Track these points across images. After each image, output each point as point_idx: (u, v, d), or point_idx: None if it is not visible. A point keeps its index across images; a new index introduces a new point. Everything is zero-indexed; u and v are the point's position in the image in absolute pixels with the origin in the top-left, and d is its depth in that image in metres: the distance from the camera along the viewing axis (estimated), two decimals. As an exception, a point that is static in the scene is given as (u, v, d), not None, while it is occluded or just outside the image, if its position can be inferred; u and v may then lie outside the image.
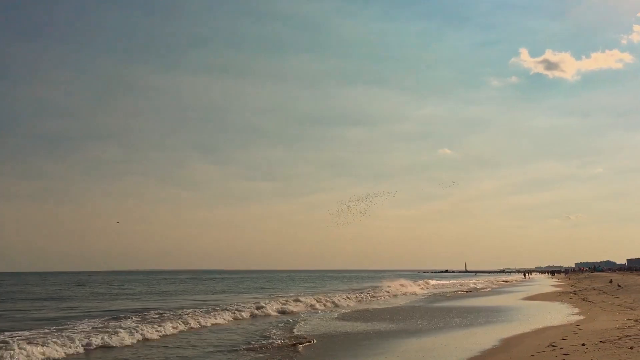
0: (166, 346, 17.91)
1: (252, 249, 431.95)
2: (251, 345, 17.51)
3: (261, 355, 15.96)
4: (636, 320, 17.94)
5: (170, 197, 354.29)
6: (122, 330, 19.33)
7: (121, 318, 24.47)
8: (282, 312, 29.71)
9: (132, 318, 24.40)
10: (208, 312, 27.13)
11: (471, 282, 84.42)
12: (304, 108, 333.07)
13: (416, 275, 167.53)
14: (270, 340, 18.49)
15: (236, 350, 16.75)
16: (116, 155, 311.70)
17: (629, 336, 13.88)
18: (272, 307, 30.37)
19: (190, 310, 28.14)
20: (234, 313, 27.50)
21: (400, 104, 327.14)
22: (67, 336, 18.01)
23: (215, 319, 25.06)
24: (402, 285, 59.34)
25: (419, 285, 65.59)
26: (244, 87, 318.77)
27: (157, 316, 25.48)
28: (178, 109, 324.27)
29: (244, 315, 27.48)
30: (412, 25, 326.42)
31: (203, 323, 23.66)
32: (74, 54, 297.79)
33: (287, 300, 34.59)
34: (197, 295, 51.34)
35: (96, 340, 17.67)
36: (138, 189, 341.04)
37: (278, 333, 20.76)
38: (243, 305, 31.46)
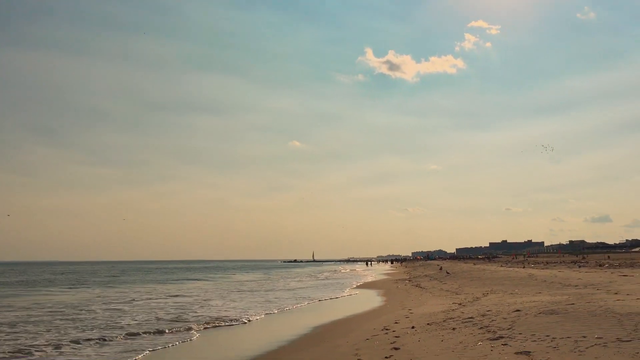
0: None
1: (97, 239, 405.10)
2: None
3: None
4: (459, 304, 19.50)
5: (1, 181, 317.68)
6: None
7: None
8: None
9: None
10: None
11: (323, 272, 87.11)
12: (150, 92, 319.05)
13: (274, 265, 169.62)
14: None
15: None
16: None
17: (452, 318, 14.95)
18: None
19: None
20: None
21: (252, 94, 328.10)
22: None
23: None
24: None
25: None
26: (85, 67, 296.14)
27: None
28: (9, 86, 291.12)
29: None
30: (266, 16, 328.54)
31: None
32: None
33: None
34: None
35: None
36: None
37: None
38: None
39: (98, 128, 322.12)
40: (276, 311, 24.23)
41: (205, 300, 30.38)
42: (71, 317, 22.46)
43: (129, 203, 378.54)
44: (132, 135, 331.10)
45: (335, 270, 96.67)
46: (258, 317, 21.73)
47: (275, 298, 32.14)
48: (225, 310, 24.21)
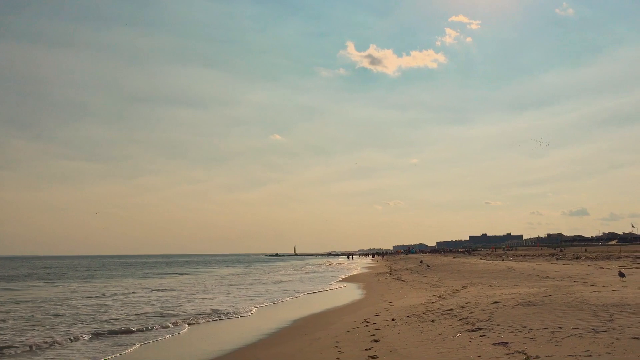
0: None
1: (77, 234, 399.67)
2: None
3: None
4: (439, 297, 19.70)
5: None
6: None
7: None
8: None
9: None
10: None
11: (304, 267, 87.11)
12: (132, 85, 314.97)
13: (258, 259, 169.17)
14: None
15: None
16: None
17: (432, 310, 15.10)
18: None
19: None
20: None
21: (233, 87, 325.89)
22: None
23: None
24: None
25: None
26: (65, 60, 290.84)
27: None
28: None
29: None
30: (247, 9, 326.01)
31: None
32: None
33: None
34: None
35: None
36: None
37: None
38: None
39: (78, 121, 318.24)
40: (261, 305, 24.22)
41: (189, 295, 30.28)
42: (52, 312, 22.21)
43: (110, 197, 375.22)
44: (112, 128, 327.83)
45: (320, 264, 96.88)
46: (243, 311, 21.70)
47: (260, 292, 32.14)
48: (211, 305, 24.13)
